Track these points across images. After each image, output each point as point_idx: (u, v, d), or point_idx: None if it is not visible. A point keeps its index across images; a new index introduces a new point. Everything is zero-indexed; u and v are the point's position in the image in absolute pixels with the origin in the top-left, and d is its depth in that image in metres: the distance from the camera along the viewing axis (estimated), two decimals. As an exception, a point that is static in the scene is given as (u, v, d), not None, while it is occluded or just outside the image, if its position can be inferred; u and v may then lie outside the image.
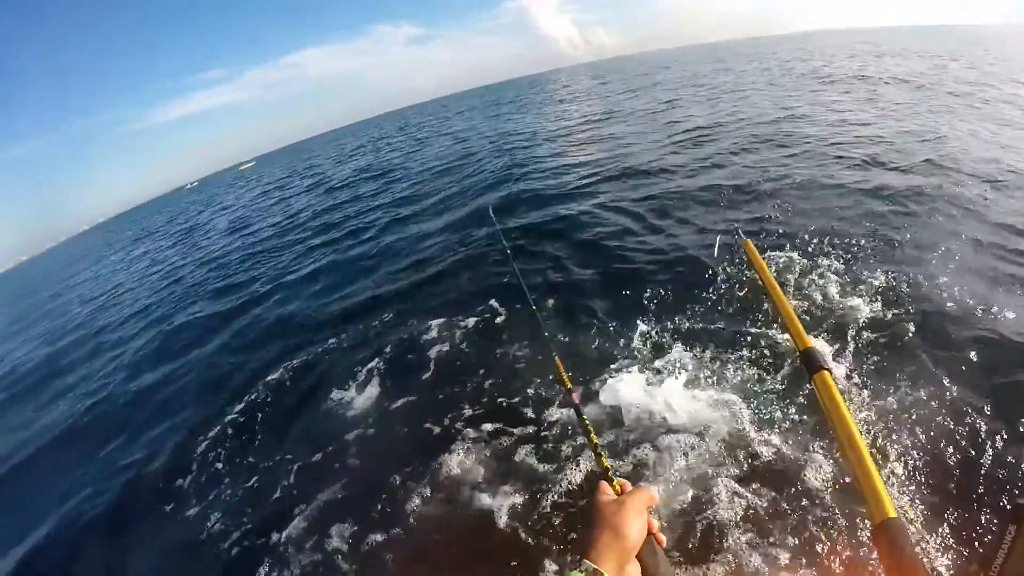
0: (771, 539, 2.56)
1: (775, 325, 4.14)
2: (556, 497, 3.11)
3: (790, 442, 3.07)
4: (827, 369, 1.39)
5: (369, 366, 5.08)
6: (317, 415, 4.69)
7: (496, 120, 27.77)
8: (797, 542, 2.53)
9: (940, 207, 5.75)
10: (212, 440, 4.82)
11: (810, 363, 1.44)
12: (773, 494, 2.78)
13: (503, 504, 3.16)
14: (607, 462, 1.19)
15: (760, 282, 2.03)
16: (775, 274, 4.68)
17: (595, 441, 1.27)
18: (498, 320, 5.30)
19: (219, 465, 4.49)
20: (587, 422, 1.32)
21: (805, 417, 3.24)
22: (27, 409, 7.70)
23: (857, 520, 2.56)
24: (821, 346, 3.73)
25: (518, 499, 3.17)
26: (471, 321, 5.38)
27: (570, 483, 3.18)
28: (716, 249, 2.99)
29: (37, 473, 5.60)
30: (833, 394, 1.30)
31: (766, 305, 4.41)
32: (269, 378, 5.53)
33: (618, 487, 1.08)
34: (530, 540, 2.90)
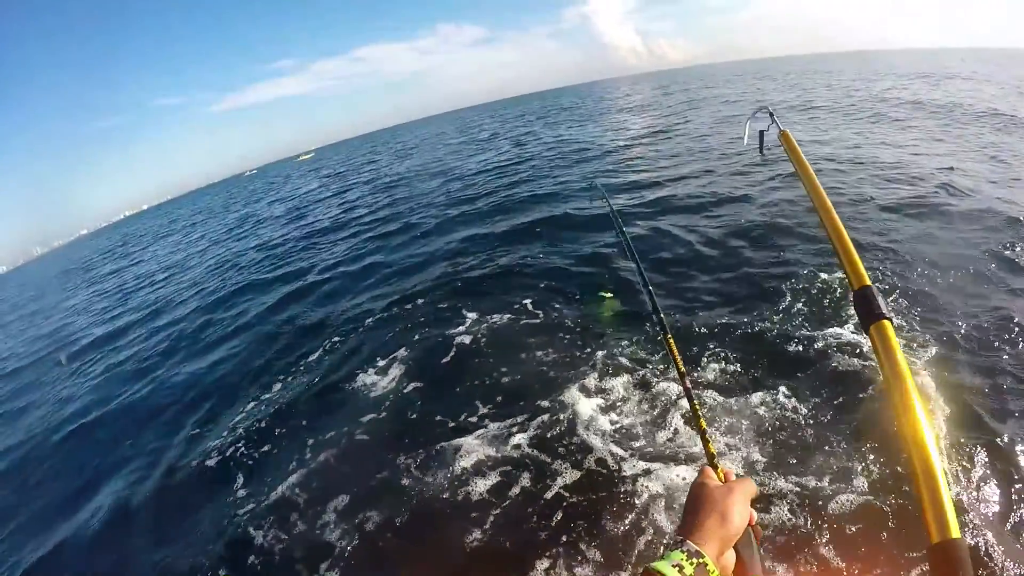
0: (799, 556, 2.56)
1: (826, 350, 4.08)
2: (553, 495, 3.24)
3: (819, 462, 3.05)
4: (887, 318, 1.07)
5: (397, 355, 5.35)
6: (342, 396, 4.99)
7: (556, 127, 27.62)
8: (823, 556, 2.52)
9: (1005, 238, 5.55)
10: (246, 413, 5.23)
11: (866, 308, 1.10)
12: (804, 509, 2.79)
13: (502, 495, 3.33)
14: (714, 448, 1.18)
15: (802, 187, 1.49)
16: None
17: (704, 427, 1.25)
18: (532, 321, 5.47)
19: (241, 431, 4.89)
20: (698, 407, 1.30)
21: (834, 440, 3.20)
22: (76, 382, 8.25)
23: (895, 541, 2.52)
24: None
25: (517, 492, 3.32)
26: (505, 318, 5.59)
27: (564, 486, 3.30)
28: (745, 137, 2.18)
29: (88, 442, 5.99)
30: (893, 353, 1.00)
31: (817, 340, 4.34)
32: (310, 359, 5.92)
33: (722, 475, 1.06)
34: (522, 535, 3.01)
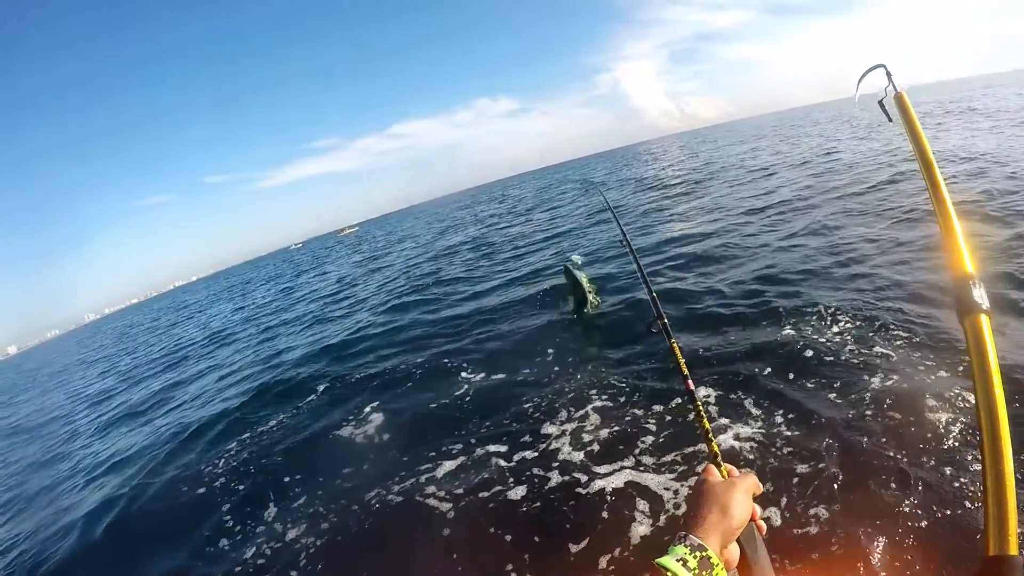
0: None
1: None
2: (546, 515, 3.43)
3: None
4: (985, 311, 0.98)
5: (386, 402, 5.93)
6: (331, 438, 5.48)
7: (588, 195, 27.30)
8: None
9: None
10: (250, 436, 6.15)
11: (963, 298, 1.00)
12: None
13: (490, 525, 3.50)
14: (717, 447, 1.20)
15: (913, 155, 1.28)
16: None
17: (707, 426, 1.27)
18: (524, 377, 5.68)
19: (246, 456, 5.63)
20: (700, 407, 1.33)
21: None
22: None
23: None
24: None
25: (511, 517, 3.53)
26: (512, 373, 5.87)
27: (556, 506, 3.47)
28: (857, 96, 1.67)
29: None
30: (985, 352, 0.93)
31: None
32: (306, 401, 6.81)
33: (725, 472, 1.08)
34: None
